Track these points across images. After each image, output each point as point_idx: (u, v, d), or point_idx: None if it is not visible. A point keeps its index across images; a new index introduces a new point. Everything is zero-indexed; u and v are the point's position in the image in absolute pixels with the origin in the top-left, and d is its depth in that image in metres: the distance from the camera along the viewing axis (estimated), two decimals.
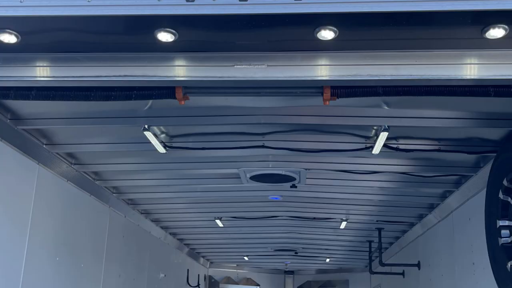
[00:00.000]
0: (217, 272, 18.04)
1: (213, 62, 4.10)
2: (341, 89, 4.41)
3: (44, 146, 6.58)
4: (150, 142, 6.27)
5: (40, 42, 3.99)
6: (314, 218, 10.80)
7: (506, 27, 3.63)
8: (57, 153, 6.91)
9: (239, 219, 10.98)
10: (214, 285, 17.76)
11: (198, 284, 16.23)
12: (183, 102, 4.57)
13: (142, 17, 3.61)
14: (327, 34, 3.73)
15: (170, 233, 12.61)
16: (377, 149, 6.24)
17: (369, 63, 4.04)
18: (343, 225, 10.95)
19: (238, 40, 3.93)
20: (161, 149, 6.46)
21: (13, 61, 4.17)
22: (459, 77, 4.04)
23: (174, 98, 4.52)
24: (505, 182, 5.10)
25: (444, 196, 8.50)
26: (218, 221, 11.13)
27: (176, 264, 13.92)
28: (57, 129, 6.32)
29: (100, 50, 4.11)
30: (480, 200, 6.10)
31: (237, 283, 18.05)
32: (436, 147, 6.43)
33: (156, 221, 11.35)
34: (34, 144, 6.39)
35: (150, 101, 5.33)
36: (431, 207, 9.24)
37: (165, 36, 3.81)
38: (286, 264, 17.51)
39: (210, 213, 10.63)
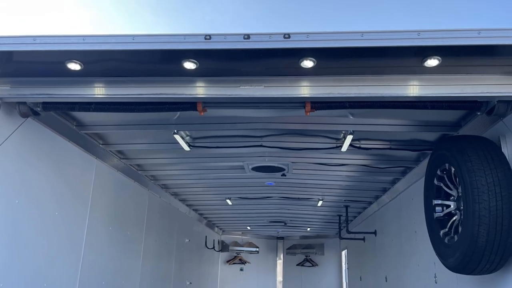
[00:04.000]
0: (227, 238, 17.99)
1: (224, 84, 4.10)
2: (318, 104, 4.41)
3: (100, 145, 6.56)
4: (178, 143, 6.27)
5: (98, 69, 3.99)
6: (299, 198, 10.77)
7: (439, 58, 3.63)
8: (110, 151, 6.89)
9: (243, 199, 10.95)
10: (225, 247, 17.72)
11: (214, 247, 16.20)
12: (202, 113, 4.56)
13: (173, 51, 3.62)
14: (308, 63, 3.73)
15: (193, 209, 12.56)
16: (345, 147, 6.22)
17: (339, 84, 4.04)
18: (320, 203, 10.92)
19: (243, 68, 3.93)
20: (186, 147, 6.45)
21: (77, 83, 4.17)
22: (405, 95, 4.04)
23: (196, 110, 4.51)
24: (438, 172, 5.09)
25: (394, 182, 8.48)
26: (228, 200, 11.09)
27: (197, 232, 13.88)
28: (110, 133, 6.31)
29: (142, 75, 4.11)
30: (420, 185, 6.08)
31: (242, 246, 17.99)
32: (388, 146, 6.42)
33: (182, 200, 11.31)
34: (93, 144, 6.37)
35: (178, 113, 5.31)
36: (385, 190, 9.23)
37: (189, 65, 3.80)
38: (277, 232, 17.42)
39: (222, 194, 10.59)
